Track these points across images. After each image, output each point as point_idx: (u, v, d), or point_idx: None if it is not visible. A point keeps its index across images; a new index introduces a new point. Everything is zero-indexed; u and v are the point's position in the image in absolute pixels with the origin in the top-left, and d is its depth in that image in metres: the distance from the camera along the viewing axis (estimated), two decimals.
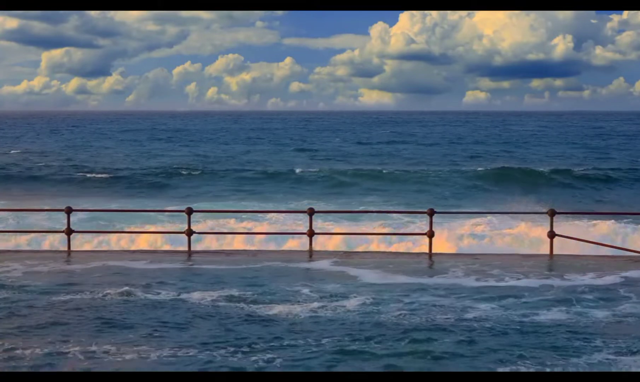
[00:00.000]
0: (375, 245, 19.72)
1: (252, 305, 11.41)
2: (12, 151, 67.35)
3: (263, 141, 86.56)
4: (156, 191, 41.63)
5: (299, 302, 11.56)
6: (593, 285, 12.96)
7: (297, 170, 47.48)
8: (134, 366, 8.58)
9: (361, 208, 32.68)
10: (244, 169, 49.91)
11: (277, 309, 11.12)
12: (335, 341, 9.47)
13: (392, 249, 17.42)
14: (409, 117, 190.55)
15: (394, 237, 20.85)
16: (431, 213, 16.97)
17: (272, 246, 18.11)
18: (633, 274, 13.89)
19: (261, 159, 59.02)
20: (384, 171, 47.26)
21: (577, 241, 17.36)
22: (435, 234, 16.80)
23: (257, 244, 17.43)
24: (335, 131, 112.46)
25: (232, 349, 9.20)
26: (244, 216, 26.80)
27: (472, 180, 44.44)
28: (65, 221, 17.16)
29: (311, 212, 17.23)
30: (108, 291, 12.23)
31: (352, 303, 11.49)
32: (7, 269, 14.33)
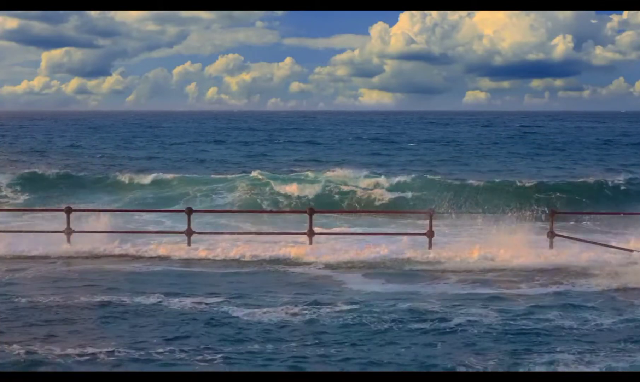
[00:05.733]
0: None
1: (230, 309, 11.37)
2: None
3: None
4: None
5: (277, 308, 11.44)
6: (592, 289, 12.98)
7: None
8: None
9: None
10: None
11: (252, 314, 11.08)
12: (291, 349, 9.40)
13: (391, 249, 17.32)
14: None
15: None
16: (431, 213, 16.98)
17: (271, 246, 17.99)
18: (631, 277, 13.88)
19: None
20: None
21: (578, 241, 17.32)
22: (435, 233, 16.80)
23: (256, 243, 17.39)
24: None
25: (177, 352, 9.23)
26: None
27: None
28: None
29: (311, 212, 17.21)
30: (94, 295, 12.22)
31: (334, 310, 11.34)
32: None
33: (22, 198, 28.47)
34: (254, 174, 30.86)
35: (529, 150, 54.66)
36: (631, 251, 15.82)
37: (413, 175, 31.06)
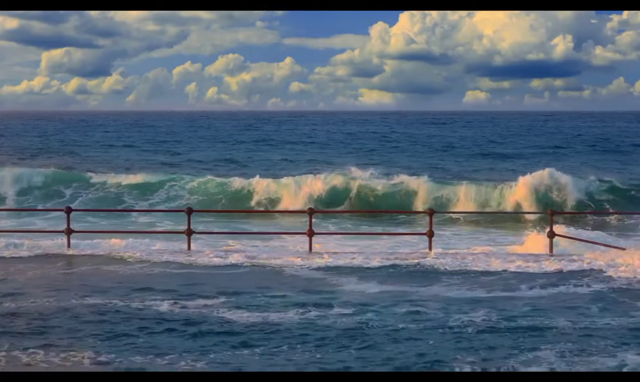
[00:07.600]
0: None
1: (228, 310, 11.32)
2: None
3: None
4: None
5: (272, 308, 11.39)
6: (591, 289, 12.99)
7: None
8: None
9: None
10: None
11: (249, 315, 11.04)
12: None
13: (390, 249, 17.33)
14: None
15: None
16: (431, 213, 16.99)
17: (270, 246, 18.06)
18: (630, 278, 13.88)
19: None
20: None
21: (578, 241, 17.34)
22: (435, 233, 16.81)
23: (255, 243, 17.42)
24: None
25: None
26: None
27: None
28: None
29: (311, 212, 17.22)
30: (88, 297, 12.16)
31: (331, 311, 11.24)
32: None
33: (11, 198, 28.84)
34: (208, 177, 31.23)
35: (532, 149, 54.90)
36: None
37: (413, 175, 31.06)
